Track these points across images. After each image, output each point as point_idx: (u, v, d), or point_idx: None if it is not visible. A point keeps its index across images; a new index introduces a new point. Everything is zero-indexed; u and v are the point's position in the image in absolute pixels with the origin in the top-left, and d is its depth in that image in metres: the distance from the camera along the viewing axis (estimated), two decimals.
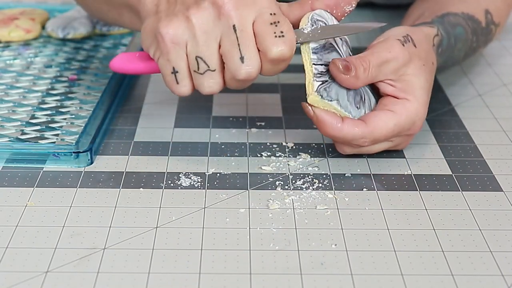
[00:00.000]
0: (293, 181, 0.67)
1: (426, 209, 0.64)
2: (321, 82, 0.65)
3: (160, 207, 0.63)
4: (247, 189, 0.66)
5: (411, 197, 0.65)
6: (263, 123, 0.77)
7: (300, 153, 0.71)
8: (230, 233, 0.60)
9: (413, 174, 0.69)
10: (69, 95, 0.81)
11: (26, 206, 0.63)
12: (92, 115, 0.74)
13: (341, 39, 0.69)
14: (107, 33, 0.96)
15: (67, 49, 0.92)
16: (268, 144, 0.73)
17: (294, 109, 0.79)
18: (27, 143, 0.71)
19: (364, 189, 0.66)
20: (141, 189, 0.66)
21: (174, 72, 0.64)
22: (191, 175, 0.68)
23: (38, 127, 0.74)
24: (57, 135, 0.73)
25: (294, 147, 0.72)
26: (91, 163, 0.69)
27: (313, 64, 0.65)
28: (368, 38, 0.70)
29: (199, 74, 0.64)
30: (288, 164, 0.70)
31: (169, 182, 0.67)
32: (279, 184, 0.67)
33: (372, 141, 0.67)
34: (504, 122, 0.78)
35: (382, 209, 0.63)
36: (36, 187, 0.66)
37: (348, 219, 0.62)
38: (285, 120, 0.78)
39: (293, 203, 0.64)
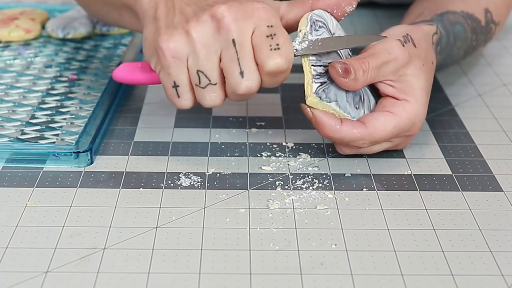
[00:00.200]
0: (293, 181, 0.67)
1: (426, 209, 0.64)
2: (320, 84, 0.65)
3: (160, 207, 0.63)
4: (247, 189, 0.66)
5: (411, 197, 0.65)
6: (263, 123, 0.77)
7: (300, 153, 0.71)
8: (230, 233, 0.60)
9: (413, 174, 0.69)
10: (69, 95, 0.81)
11: (26, 206, 0.63)
12: (92, 115, 0.74)
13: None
14: (107, 33, 0.96)
15: (67, 49, 0.92)
16: (268, 144, 0.73)
17: (294, 109, 0.79)
18: (27, 143, 0.71)
19: (364, 189, 0.66)
20: (141, 189, 0.66)
21: (175, 86, 0.64)
22: (191, 175, 0.68)
23: (38, 127, 0.74)
24: (57, 135, 0.73)
25: (294, 147, 0.72)
26: (91, 163, 0.69)
27: (312, 65, 0.65)
28: None
29: (201, 88, 0.64)
30: (288, 164, 0.70)
31: (169, 182, 0.67)
32: (279, 184, 0.67)
33: (371, 142, 0.67)
34: (504, 122, 0.78)
35: (382, 209, 0.63)
36: (36, 187, 0.66)
37: (348, 219, 0.62)
38: (285, 120, 0.78)
39: (293, 203, 0.64)
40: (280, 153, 0.71)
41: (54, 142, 0.72)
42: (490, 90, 0.86)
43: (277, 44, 0.62)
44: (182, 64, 0.63)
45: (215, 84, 0.64)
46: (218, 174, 0.68)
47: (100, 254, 0.57)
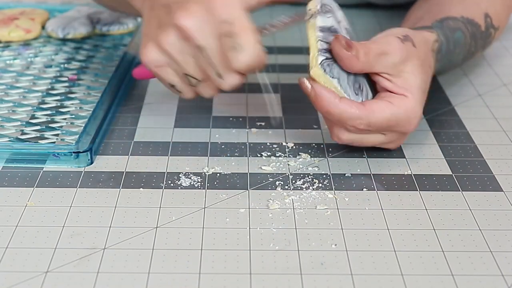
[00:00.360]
0: (293, 181, 0.67)
1: (426, 209, 0.64)
2: (325, 58, 0.66)
3: (160, 207, 0.63)
4: (247, 189, 0.66)
5: (411, 197, 0.65)
6: (263, 123, 0.77)
7: (300, 153, 0.71)
8: (230, 233, 0.60)
9: (413, 174, 0.69)
10: (69, 95, 0.81)
11: (26, 206, 0.63)
12: (92, 115, 0.74)
13: (345, 29, 0.70)
14: (107, 33, 0.96)
15: (67, 49, 0.92)
16: (268, 144, 0.73)
17: (294, 109, 0.79)
18: (27, 143, 0.71)
19: (364, 189, 0.66)
20: (141, 189, 0.66)
21: (172, 86, 0.67)
22: (191, 175, 0.68)
23: (38, 127, 0.74)
24: (57, 135, 0.73)
25: (294, 147, 0.72)
26: (91, 163, 0.69)
27: (319, 40, 0.66)
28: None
29: (193, 86, 0.66)
30: (288, 164, 0.70)
31: (169, 182, 0.67)
32: (279, 184, 0.67)
33: (367, 124, 0.67)
34: (504, 122, 0.78)
35: (382, 209, 0.63)
36: (36, 187, 0.66)
37: (348, 219, 0.62)
38: (285, 120, 0.78)
39: (293, 203, 0.64)
40: (280, 153, 0.71)
41: (54, 142, 0.72)
42: (490, 90, 0.86)
43: (239, 44, 0.62)
44: (167, 69, 0.65)
45: (205, 81, 0.65)
46: (218, 174, 0.68)
47: (100, 254, 0.57)
